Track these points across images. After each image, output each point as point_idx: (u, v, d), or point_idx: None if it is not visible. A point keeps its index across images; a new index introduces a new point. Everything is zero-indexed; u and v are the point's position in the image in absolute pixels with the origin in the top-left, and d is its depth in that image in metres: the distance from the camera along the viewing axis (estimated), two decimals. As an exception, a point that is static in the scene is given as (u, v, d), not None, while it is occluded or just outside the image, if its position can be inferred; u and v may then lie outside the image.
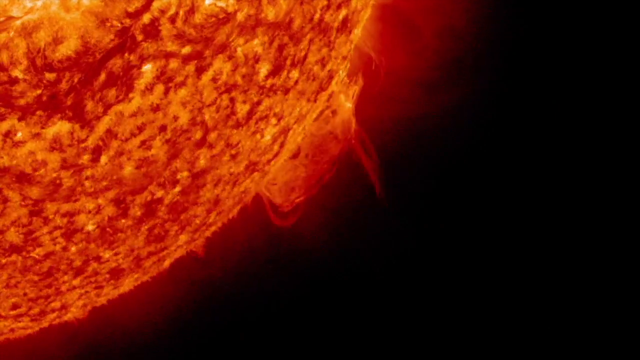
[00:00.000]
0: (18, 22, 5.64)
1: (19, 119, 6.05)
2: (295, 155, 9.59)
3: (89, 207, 6.94)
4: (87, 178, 6.64)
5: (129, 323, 10.63)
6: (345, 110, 9.38)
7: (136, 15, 5.91)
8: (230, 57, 6.63)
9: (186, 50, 6.31)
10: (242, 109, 7.14)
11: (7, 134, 6.08)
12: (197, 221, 8.38)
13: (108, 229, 7.35)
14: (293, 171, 9.67)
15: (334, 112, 9.29)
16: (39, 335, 9.64)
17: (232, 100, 6.97)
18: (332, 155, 9.64)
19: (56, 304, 8.57)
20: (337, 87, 9.00)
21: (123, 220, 7.35)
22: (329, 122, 9.40)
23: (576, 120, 10.66)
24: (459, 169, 10.81)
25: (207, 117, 6.89)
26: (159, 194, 7.33)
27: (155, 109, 6.49)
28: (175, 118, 6.67)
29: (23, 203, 6.62)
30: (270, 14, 6.60)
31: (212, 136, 7.13)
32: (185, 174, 7.34)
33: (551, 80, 10.51)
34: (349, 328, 11.43)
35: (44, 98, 5.98)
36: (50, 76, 5.86)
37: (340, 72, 8.70)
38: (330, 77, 8.35)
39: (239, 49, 6.64)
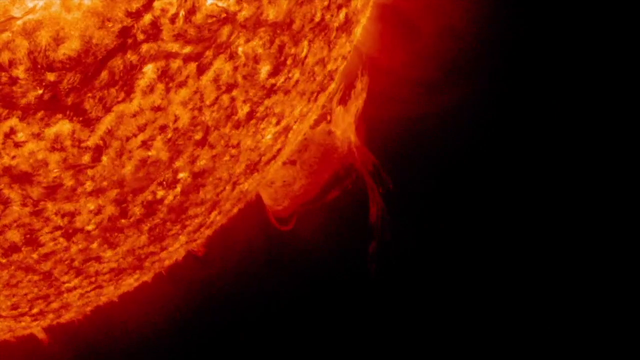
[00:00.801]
0: (19, 22, 5.64)
1: (20, 119, 6.04)
2: (294, 162, 9.61)
3: (90, 207, 6.94)
4: (88, 178, 6.64)
5: (129, 323, 10.63)
6: (347, 122, 9.39)
7: (137, 15, 5.91)
8: (231, 57, 6.63)
9: (187, 50, 6.31)
10: (242, 109, 7.15)
11: (8, 134, 6.08)
12: (197, 221, 8.38)
13: (108, 229, 7.35)
14: (292, 178, 9.68)
15: (336, 123, 9.31)
16: (39, 335, 9.65)
17: (233, 100, 6.97)
18: (332, 165, 9.66)
19: (56, 304, 8.57)
20: (337, 96, 9.01)
21: (123, 221, 7.35)
22: (330, 132, 9.41)
23: (576, 120, 10.67)
24: (459, 169, 10.82)
25: (207, 117, 6.89)
26: (160, 194, 7.33)
27: (156, 109, 6.49)
28: (176, 118, 6.67)
29: (24, 203, 6.61)
30: (271, 14, 6.60)
31: (213, 136, 7.13)
32: (186, 174, 7.34)
33: (551, 80, 10.52)
34: (349, 328, 11.43)
35: (45, 98, 5.98)
36: (51, 76, 5.86)
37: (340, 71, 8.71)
38: (331, 77, 8.35)
39: (239, 49, 6.64)
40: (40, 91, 5.91)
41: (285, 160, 9.56)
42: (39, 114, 6.06)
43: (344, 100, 9.37)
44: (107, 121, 6.34)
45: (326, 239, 10.88)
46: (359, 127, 9.69)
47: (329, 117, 9.29)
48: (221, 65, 6.62)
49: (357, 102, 9.34)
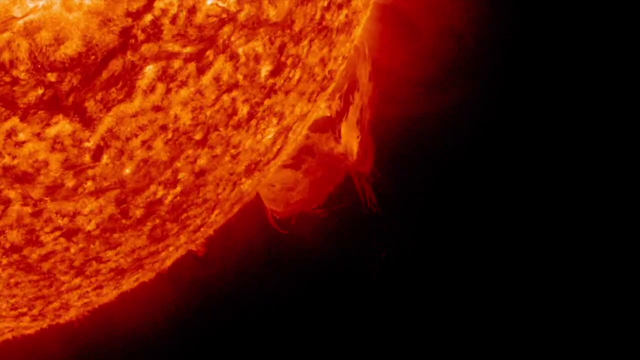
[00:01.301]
0: (20, 22, 5.64)
1: (21, 119, 6.04)
2: (295, 166, 9.61)
3: (90, 207, 6.94)
4: (88, 178, 6.64)
5: (129, 323, 10.62)
6: (350, 124, 9.39)
7: (138, 15, 5.91)
8: (231, 57, 6.63)
9: (187, 50, 6.31)
10: (243, 109, 7.15)
11: (9, 134, 6.08)
12: (198, 221, 8.38)
13: (109, 229, 7.35)
14: (292, 182, 9.68)
15: (339, 131, 9.32)
16: (39, 335, 9.64)
17: (233, 100, 6.97)
18: (334, 173, 9.66)
19: (56, 304, 8.57)
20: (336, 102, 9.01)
21: (124, 221, 7.35)
22: (333, 136, 9.42)
23: (576, 120, 10.67)
24: (459, 169, 10.82)
25: (208, 117, 6.89)
26: (160, 194, 7.33)
27: (157, 109, 6.49)
28: (177, 118, 6.67)
29: (24, 203, 6.61)
30: (271, 14, 6.60)
31: (213, 136, 7.13)
32: (186, 174, 7.34)
33: (551, 80, 10.52)
34: (349, 328, 11.43)
35: (46, 98, 5.98)
36: (51, 76, 5.86)
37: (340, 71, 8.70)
38: (331, 77, 8.35)
39: (240, 49, 6.64)
40: (41, 91, 5.91)
41: (286, 164, 9.57)
42: (40, 114, 6.06)
43: (346, 102, 9.37)
44: (108, 121, 6.34)
45: (326, 239, 10.88)
46: (363, 129, 9.69)
47: (331, 120, 9.29)
48: (222, 65, 6.63)
49: (360, 104, 9.34)
